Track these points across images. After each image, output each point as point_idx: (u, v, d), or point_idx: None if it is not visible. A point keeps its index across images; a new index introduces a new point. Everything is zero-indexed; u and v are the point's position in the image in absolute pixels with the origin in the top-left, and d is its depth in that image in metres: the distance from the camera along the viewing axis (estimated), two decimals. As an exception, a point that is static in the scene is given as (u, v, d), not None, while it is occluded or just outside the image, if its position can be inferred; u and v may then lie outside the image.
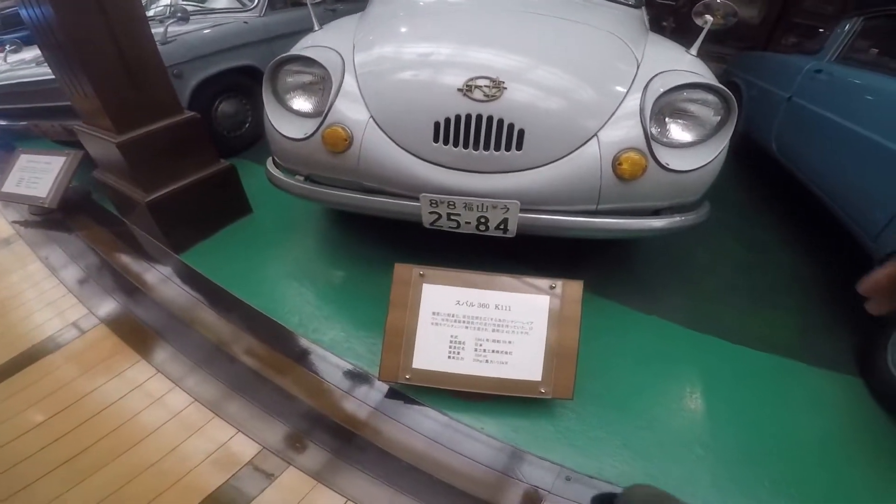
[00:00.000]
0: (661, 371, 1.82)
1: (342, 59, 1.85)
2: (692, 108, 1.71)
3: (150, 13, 3.78)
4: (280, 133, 1.85)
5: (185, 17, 3.16)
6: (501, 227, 1.71)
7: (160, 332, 1.99)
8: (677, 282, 2.28)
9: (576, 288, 1.55)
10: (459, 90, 1.61)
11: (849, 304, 2.16)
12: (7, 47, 3.78)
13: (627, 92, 1.69)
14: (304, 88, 1.90)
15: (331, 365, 1.80)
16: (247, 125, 3.70)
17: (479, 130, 1.62)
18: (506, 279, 1.60)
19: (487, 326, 1.58)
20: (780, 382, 1.80)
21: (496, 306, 1.58)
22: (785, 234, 2.83)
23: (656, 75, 1.72)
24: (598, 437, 1.56)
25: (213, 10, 3.86)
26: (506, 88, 1.59)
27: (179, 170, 2.45)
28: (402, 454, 1.49)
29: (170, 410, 1.66)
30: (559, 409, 1.63)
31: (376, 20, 2.12)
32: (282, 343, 1.90)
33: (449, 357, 1.59)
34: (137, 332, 1.99)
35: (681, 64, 1.84)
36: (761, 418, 1.65)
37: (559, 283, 1.56)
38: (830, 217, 2.40)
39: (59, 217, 2.89)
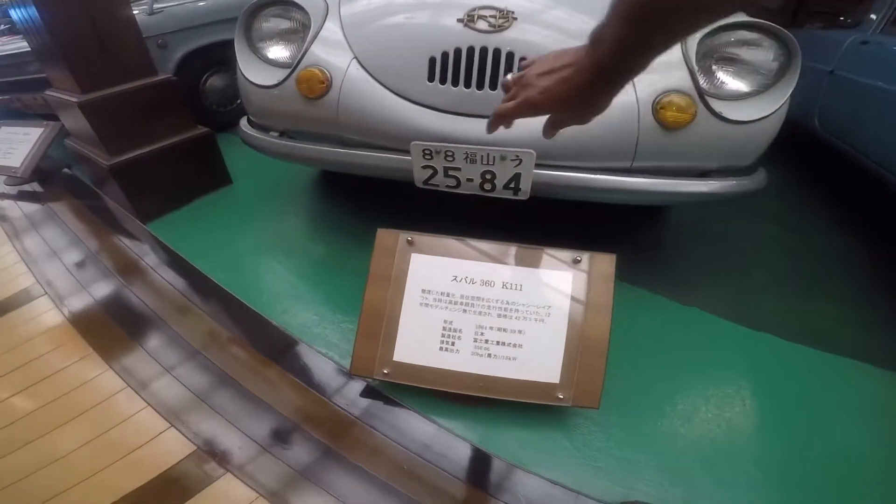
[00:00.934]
0: (704, 374, 1.44)
1: (326, 4, 1.61)
2: (744, 53, 1.38)
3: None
4: (251, 82, 1.60)
5: None
6: (512, 185, 1.35)
7: (104, 306, 1.71)
8: (717, 269, 1.91)
9: (607, 262, 1.19)
10: (459, 21, 1.31)
11: None
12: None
13: None
14: (282, 36, 1.64)
15: (295, 354, 1.46)
16: (237, 101, 3.45)
17: (483, 66, 1.31)
18: (517, 250, 1.25)
19: (491, 310, 1.23)
20: (848, 388, 1.42)
21: (504, 285, 1.22)
22: (834, 216, 2.46)
23: None
24: (627, 457, 1.19)
25: None
26: (515, 19, 1.28)
27: (149, 134, 2.20)
28: (375, 469, 1.14)
29: (98, 395, 1.36)
30: (577, 419, 1.26)
31: None
32: (238, 323, 1.58)
33: (441, 348, 1.24)
34: (81, 307, 1.71)
35: None
36: (830, 431, 1.28)
37: (585, 256, 1.20)
38: (888, 196, 2.11)
39: (33, 188, 2.75)
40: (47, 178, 2.78)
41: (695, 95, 1.28)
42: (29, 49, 2.46)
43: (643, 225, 2.15)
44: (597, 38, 0.61)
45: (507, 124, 0.78)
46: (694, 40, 1.35)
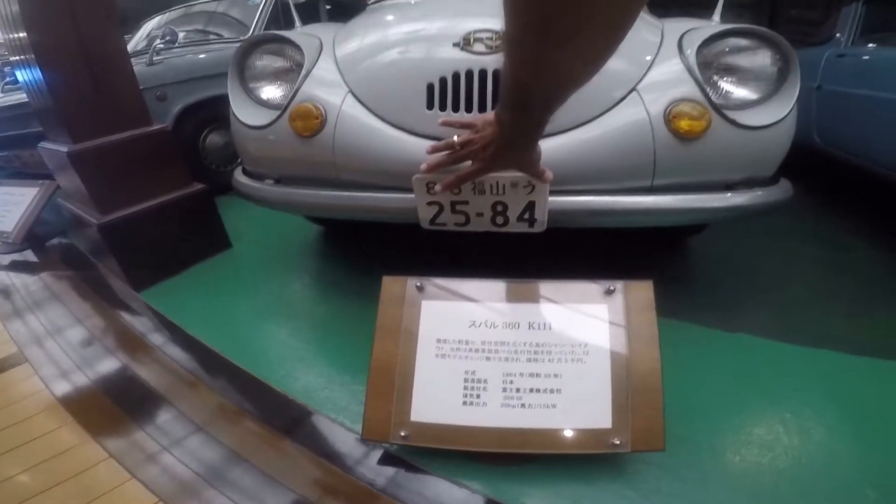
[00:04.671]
0: (772, 399, 1.25)
1: (321, 43, 1.53)
2: (742, 61, 1.32)
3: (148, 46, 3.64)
4: (243, 123, 1.49)
5: (173, 39, 2.95)
6: (526, 217, 1.20)
7: (95, 380, 1.50)
8: (755, 293, 1.74)
9: (644, 290, 1.03)
10: (456, 45, 1.22)
11: None
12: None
13: (659, 48, 1.33)
14: (275, 75, 1.54)
15: (301, 420, 1.27)
16: (238, 159, 3.21)
17: (483, 90, 1.19)
18: (541, 286, 1.10)
19: (520, 355, 1.05)
20: None
21: (530, 325, 1.05)
22: (860, 228, 2.30)
23: (686, 32, 1.37)
24: (711, 498, 0.98)
25: (207, 40, 3.63)
26: None
27: (143, 190, 2.03)
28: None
29: (79, 465, 1.17)
30: (637, 466, 1.06)
31: (363, 18, 1.83)
32: (238, 390, 1.39)
33: (465, 403, 1.05)
34: (70, 380, 1.52)
35: (709, 24, 1.52)
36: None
37: (619, 286, 1.02)
38: None
39: (24, 256, 2.51)
40: (39, 245, 2.59)
41: (705, 103, 1.19)
42: (28, 101, 2.33)
43: (666, 257, 2.01)
44: (498, 118, 0.80)
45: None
46: (692, 53, 1.28)
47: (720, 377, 1.33)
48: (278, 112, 1.41)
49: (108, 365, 1.57)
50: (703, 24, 1.49)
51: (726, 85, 1.30)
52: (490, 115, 0.86)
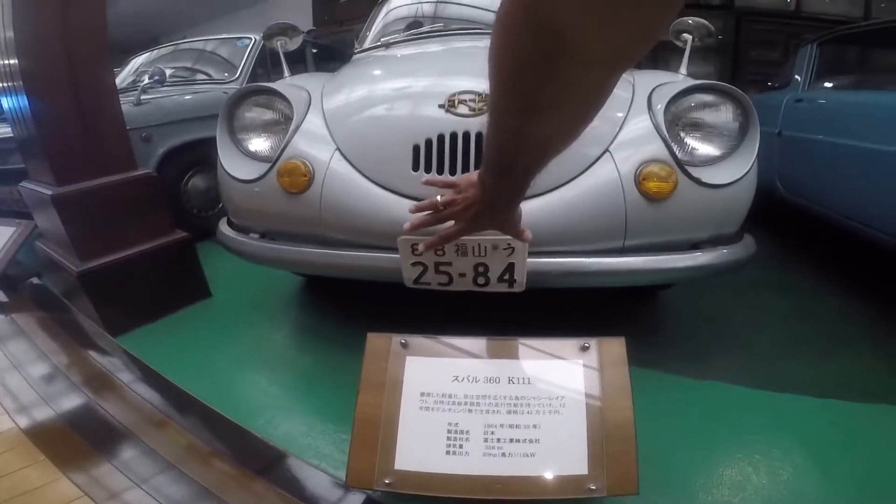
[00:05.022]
0: (742, 442, 1.33)
1: (310, 97, 1.59)
2: (707, 116, 1.42)
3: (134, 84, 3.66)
4: (230, 175, 1.54)
5: (161, 80, 3.03)
6: (506, 277, 1.27)
7: (66, 419, 1.51)
8: (725, 342, 1.84)
9: (616, 347, 1.11)
10: (441, 106, 1.30)
11: None
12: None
13: (630, 105, 1.43)
14: (264, 127, 1.60)
15: (283, 467, 1.30)
16: (220, 205, 3.25)
17: (466, 152, 1.27)
18: (518, 344, 1.16)
19: (500, 407, 1.11)
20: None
21: (510, 380, 1.12)
22: (823, 274, 2.47)
23: (655, 88, 1.47)
24: None
25: (194, 80, 3.70)
26: None
27: (124, 236, 2.05)
28: None
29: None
30: None
31: (351, 70, 1.95)
32: (217, 437, 1.40)
33: (448, 452, 1.09)
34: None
35: (675, 79, 1.60)
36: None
37: (593, 342, 1.10)
38: (867, 245, 2.12)
39: None
40: (13, 287, 2.54)
41: (672, 163, 1.28)
42: (11, 135, 2.33)
43: (639, 310, 2.10)
44: (481, 182, 0.81)
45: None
46: (661, 110, 1.37)
47: (692, 422, 1.40)
48: (265, 165, 1.46)
49: (79, 403, 1.57)
50: (671, 77, 1.60)
51: (692, 141, 1.40)
52: (473, 175, 0.87)
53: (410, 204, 1.22)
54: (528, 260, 1.23)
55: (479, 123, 1.26)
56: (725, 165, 1.36)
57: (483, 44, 1.67)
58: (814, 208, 2.58)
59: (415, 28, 2.54)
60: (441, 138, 1.28)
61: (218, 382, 1.65)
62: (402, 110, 1.40)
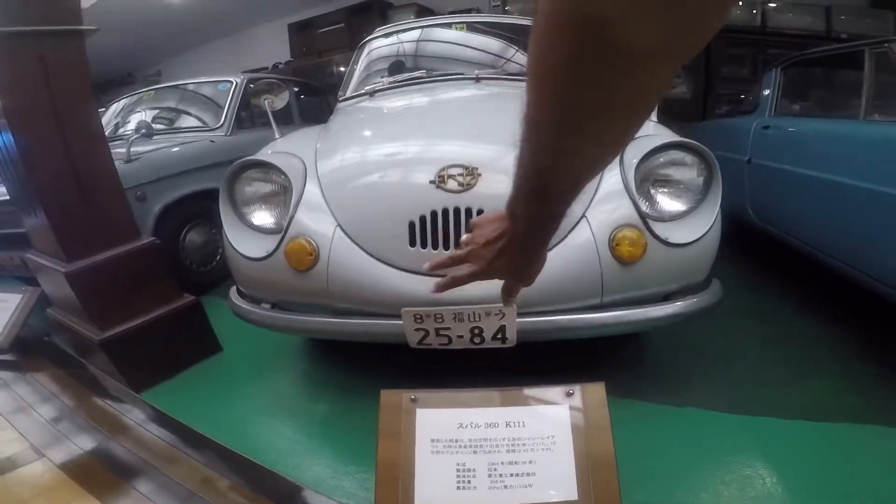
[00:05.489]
0: (717, 463, 1.53)
1: (304, 165, 1.74)
2: (674, 173, 1.60)
3: (117, 132, 3.80)
4: (239, 253, 1.67)
5: (149, 133, 3.06)
6: (499, 336, 1.48)
7: (122, 475, 1.65)
8: (701, 370, 2.04)
9: (597, 391, 1.32)
10: (432, 182, 1.47)
11: None
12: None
13: None
14: (265, 200, 1.75)
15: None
16: (217, 258, 3.34)
17: (458, 226, 1.46)
18: (513, 393, 1.36)
19: (500, 448, 1.31)
20: (862, 449, 1.54)
21: (507, 424, 1.32)
22: (793, 299, 2.67)
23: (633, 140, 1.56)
24: None
25: (179, 129, 3.78)
26: (480, 175, 1.45)
27: (137, 304, 2.21)
28: None
29: None
30: None
31: (339, 126, 2.08)
32: (256, 483, 1.57)
33: (458, 488, 1.29)
34: (96, 476, 1.66)
35: (646, 130, 1.77)
36: (858, 494, 1.37)
37: (577, 389, 1.31)
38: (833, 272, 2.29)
39: (12, 358, 2.58)
40: (28, 349, 2.67)
41: (642, 227, 1.46)
42: (7, 198, 2.42)
43: (621, 343, 2.26)
44: (511, 212, 0.73)
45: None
46: (631, 169, 1.53)
47: (671, 447, 1.59)
48: (271, 240, 1.61)
49: (116, 453, 1.73)
50: (643, 127, 1.78)
51: (660, 196, 1.59)
52: (494, 212, 0.81)
53: (410, 277, 1.44)
54: (518, 320, 1.44)
55: (468, 199, 1.45)
56: (691, 220, 1.55)
57: (464, 93, 1.94)
58: (783, 237, 2.69)
59: (398, 72, 2.74)
60: (434, 214, 1.46)
61: (243, 431, 1.82)
62: (395, 187, 1.56)
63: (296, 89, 4.67)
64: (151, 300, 2.22)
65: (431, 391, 1.36)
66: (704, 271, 1.59)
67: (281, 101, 2.47)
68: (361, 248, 1.53)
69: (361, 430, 1.66)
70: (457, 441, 1.30)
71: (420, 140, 1.73)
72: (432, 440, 1.31)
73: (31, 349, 2.68)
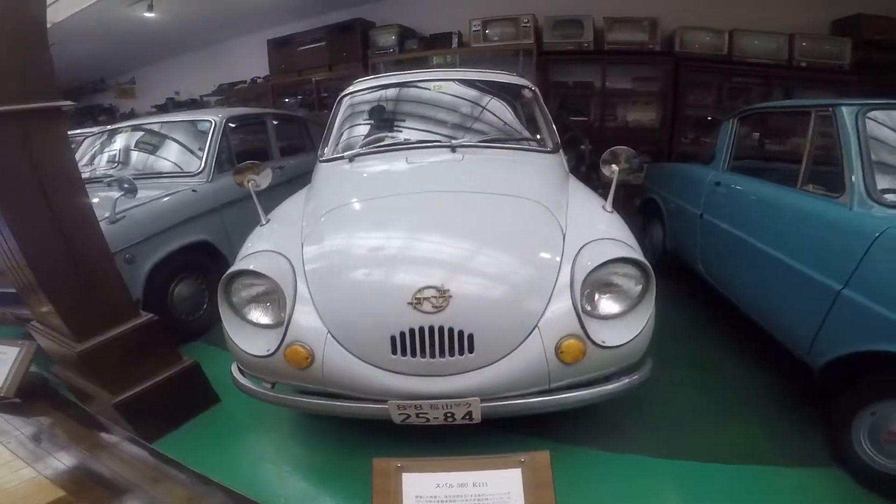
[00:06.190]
0: None
1: (292, 266, 1.97)
2: (617, 279, 1.90)
3: (87, 174, 3.74)
4: (242, 350, 1.92)
5: (132, 190, 2.91)
6: (467, 417, 1.85)
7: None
8: (643, 417, 2.41)
9: (543, 458, 1.72)
10: (409, 304, 1.74)
11: (808, 400, 2.36)
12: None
13: (559, 270, 1.88)
14: (259, 299, 1.99)
15: None
16: (205, 306, 3.52)
17: (433, 340, 1.76)
18: (479, 460, 1.75)
19: (469, 502, 1.70)
20: (766, 489, 1.95)
21: (473, 484, 1.72)
22: (731, 347, 3.01)
23: (583, 247, 1.92)
24: None
25: (160, 174, 3.76)
26: (451, 297, 1.75)
27: (143, 370, 2.48)
28: None
29: None
30: None
31: (321, 207, 2.29)
32: None
33: None
34: None
35: (599, 223, 2.10)
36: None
37: (527, 456, 1.72)
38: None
39: (17, 403, 2.80)
40: (32, 395, 2.87)
41: (584, 337, 1.79)
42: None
43: None
44: None
45: None
46: (583, 273, 1.82)
47: (609, 491, 1.97)
48: (271, 336, 1.86)
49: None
50: (594, 229, 2.01)
51: (601, 300, 1.89)
52: None
53: (395, 377, 1.80)
54: (483, 405, 1.81)
55: (442, 318, 1.73)
56: (625, 322, 1.86)
57: (440, 157, 2.59)
58: (725, 294, 2.88)
59: (376, 130, 3.04)
60: (412, 331, 1.74)
61: (248, 477, 2.13)
62: (376, 305, 1.81)
63: (275, 122, 4.77)
64: (155, 366, 2.50)
65: (414, 459, 1.75)
66: (638, 359, 1.93)
67: (265, 179, 2.50)
68: (350, 352, 1.81)
69: (353, 478, 2.04)
70: (435, 497, 1.70)
71: (396, 241, 1.98)
72: (416, 496, 1.70)
73: (36, 395, 2.88)
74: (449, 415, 1.84)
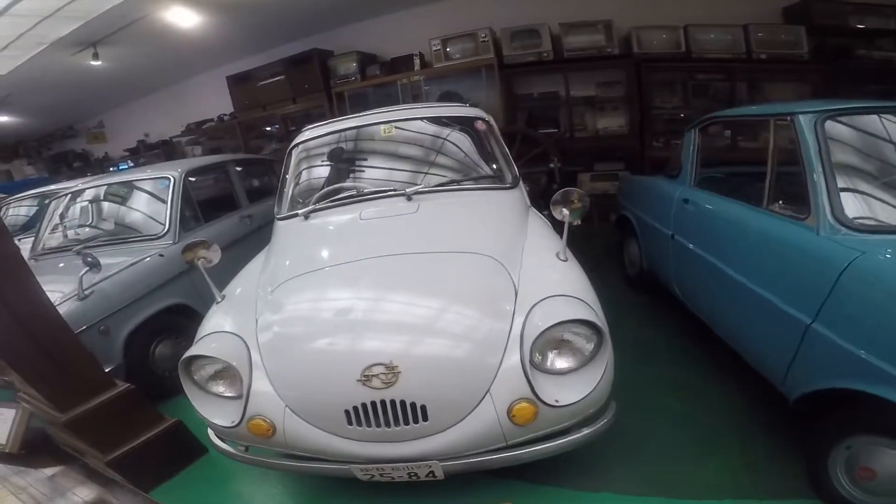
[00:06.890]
0: None
1: (246, 346, 2.02)
2: (569, 336, 1.88)
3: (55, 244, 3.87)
4: (210, 421, 2.01)
5: (95, 265, 2.93)
6: (429, 475, 1.90)
7: None
8: (619, 453, 2.37)
9: None
10: (359, 381, 1.76)
11: (787, 428, 2.31)
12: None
13: (509, 333, 1.86)
14: (219, 376, 2.03)
15: None
16: None
17: (385, 412, 1.79)
18: None
19: None
20: None
21: None
22: (711, 371, 2.94)
23: (535, 305, 1.90)
24: None
25: (124, 240, 3.69)
26: (400, 373, 1.76)
27: (129, 433, 2.60)
28: None
29: None
30: None
31: (274, 278, 2.30)
32: None
33: None
34: None
35: (554, 273, 2.07)
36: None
37: None
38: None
39: (21, 456, 2.89)
40: (34, 449, 2.93)
41: (535, 400, 1.78)
42: None
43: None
44: None
45: None
46: (533, 335, 1.79)
47: None
48: (234, 407, 1.93)
49: None
50: (548, 284, 1.98)
51: (553, 356, 1.86)
52: None
53: (353, 444, 1.84)
54: (444, 464, 1.84)
55: (391, 393, 1.74)
56: (577, 377, 1.83)
57: (395, 210, 2.61)
58: (703, 319, 2.75)
59: (329, 182, 3.04)
60: (364, 406, 1.77)
61: None
62: (328, 384, 1.83)
63: (238, 168, 4.78)
64: (139, 427, 2.62)
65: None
66: (597, 409, 1.90)
67: (215, 255, 2.47)
68: (309, 423, 1.86)
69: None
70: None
71: (349, 321, 1.94)
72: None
73: (38, 449, 2.93)
74: (412, 474, 1.89)
